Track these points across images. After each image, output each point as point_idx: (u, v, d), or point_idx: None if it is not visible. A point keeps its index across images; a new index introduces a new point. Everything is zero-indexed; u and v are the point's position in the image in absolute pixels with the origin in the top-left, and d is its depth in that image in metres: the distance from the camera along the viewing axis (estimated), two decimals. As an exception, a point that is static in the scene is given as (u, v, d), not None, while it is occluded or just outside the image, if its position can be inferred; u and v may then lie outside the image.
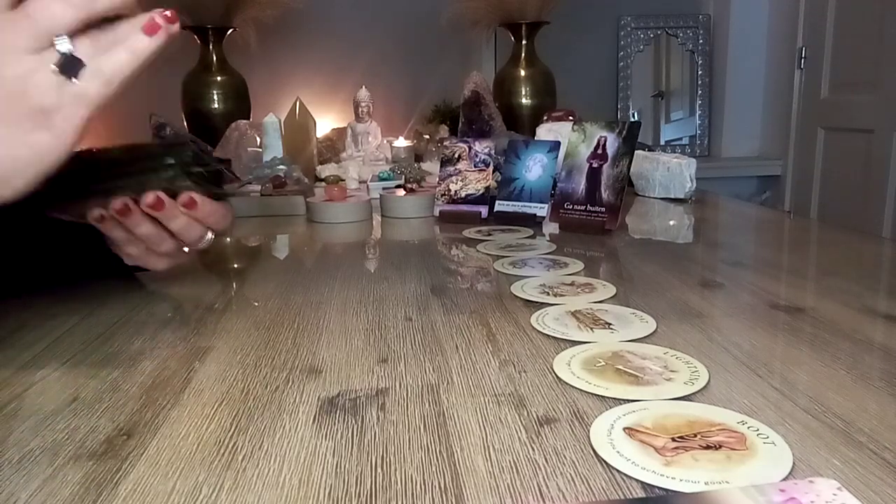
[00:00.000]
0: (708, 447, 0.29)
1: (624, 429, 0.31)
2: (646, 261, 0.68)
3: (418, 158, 1.51)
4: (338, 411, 0.35)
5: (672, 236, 0.85)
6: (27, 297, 0.55)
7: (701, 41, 2.18)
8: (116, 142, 0.55)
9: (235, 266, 0.71)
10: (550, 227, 0.85)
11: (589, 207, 0.82)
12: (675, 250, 0.75)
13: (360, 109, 1.44)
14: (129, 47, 0.37)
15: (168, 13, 0.38)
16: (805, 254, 0.77)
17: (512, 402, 0.35)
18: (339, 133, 1.58)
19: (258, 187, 1.06)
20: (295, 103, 1.31)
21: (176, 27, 0.38)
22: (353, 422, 0.33)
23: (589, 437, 0.31)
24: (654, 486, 0.27)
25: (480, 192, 0.92)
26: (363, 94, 1.44)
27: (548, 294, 0.54)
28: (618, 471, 0.28)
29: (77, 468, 0.30)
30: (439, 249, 0.78)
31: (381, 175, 1.17)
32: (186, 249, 0.52)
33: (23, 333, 0.48)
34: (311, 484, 0.28)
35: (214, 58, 1.74)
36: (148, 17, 0.37)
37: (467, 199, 0.92)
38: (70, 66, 0.36)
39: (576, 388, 0.36)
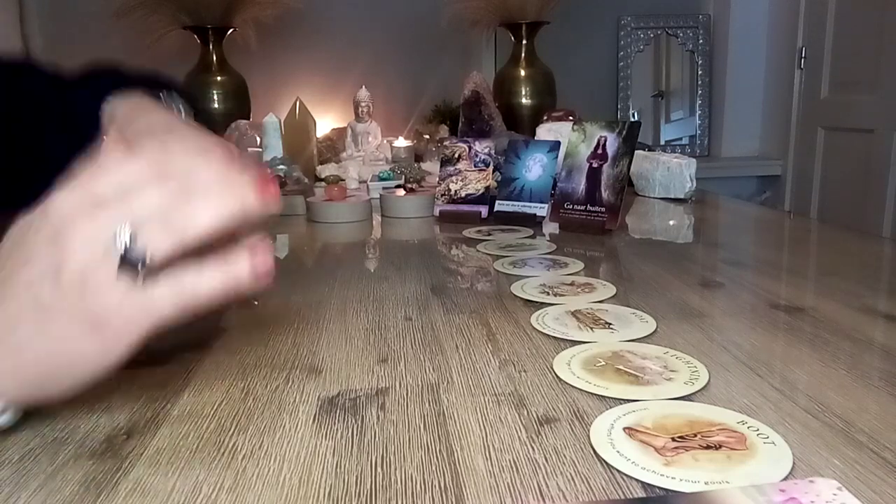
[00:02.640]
0: (708, 447, 0.29)
1: (624, 429, 0.31)
2: (646, 261, 0.68)
3: (418, 158, 1.51)
4: (338, 411, 0.35)
5: (672, 236, 0.85)
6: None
7: (701, 41, 2.18)
8: None
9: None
10: (550, 227, 0.85)
11: (589, 207, 0.82)
12: (675, 250, 0.75)
13: (360, 109, 1.44)
14: (229, 274, 0.31)
15: (268, 261, 0.32)
16: (805, 254, 0.77)
17: (512, 401, 0.35)
18: (339, 133, 1.58)
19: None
20: (295, 103, 1.31)
21: (269, 277, 0.32)
22: (353, 421, 0.33)
23: (589, 436, 0.31)
24: (654, 486, 0.27)
25: (480, 191, 0.92)
26: (363, 93, 1.44)
27: (548, 294, 0.54)
28: (618, 470, 0.28)
29: (77, 467, 0.30)
30: (439, 249, 0.78)
31: (381, 175, 1.17)
32: None
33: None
34: (311, 483, 0.28)
35: (214, 58, 1.74)
36: (260, 256, 0.32)
37: (467, 199, 0.92)
38: (132, 265, 0.29)
39: (576, 387, 0.36)
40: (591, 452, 0.30)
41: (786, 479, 0.27)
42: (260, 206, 0.31)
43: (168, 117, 0.47)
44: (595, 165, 0.83)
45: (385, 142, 1.47)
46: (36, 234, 0.31)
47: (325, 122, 1.83)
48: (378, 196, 1.01)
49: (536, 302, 0.52)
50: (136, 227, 0.29)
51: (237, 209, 0.30)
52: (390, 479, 0.28)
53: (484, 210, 0.91)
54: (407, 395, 0.36)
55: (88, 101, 0.50)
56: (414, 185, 1.03)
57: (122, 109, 0.48)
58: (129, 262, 0.29)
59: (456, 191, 0.93)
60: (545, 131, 1.14)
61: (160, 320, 0.31)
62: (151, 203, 0.30)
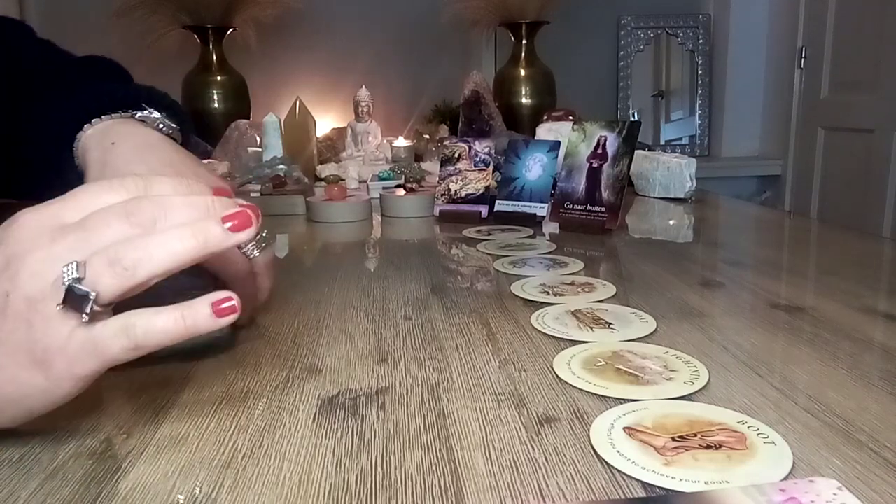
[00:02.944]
0: (708, 447, 0.29)
1: (624, 428, 0.31)
2: (646, 260, 0.68)
3: (418, 158, 1.51)
4: (338, 410, 0.35)
5: (672, 236, 0.85)
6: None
7: (701, 41, 2.18)
8: None
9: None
10: (550, 227, 0.85)
11: (589, 207, 0.82)
12: (675, 250, 0.75)
13: (360, 109, 1.44)
14: (186, 318, 0.30)
15: (232, 303, 0.30)
16: (805, 253, 0.77)
17: (512, 401, 0.35)
18: (339, 133, 1.58)
19: (258, 187, 1.06)
20: (295, 103, 1.31)
21: (232, 318, 0.30)
22: (353, 421, 0.33)
23: (589, 436, 0.31)
24: (654, 486, 0.27)
25: (480, 191, 0.92)
26: (363, 93, 1.44)
27: (548, 293, 0.54)
28: (618, 470, 0.28)
29: (77, 466, 0.30)
30: (439, 249, 0.78)
31: (380, 175, 1.17)
32: None
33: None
34: (310, 483, 0.28)
35: (214, 58, 1.74)
36: (225, 296, 0.30)
37: (467, 199, 0.92)
38: (77, 301, 0.28)
39: (576, 387, 0.36)
40: (591, 452, 0.30)
41: (786, 478, 0.27)
42: (226, 242, 0.30)
43: (148, 158, 0.46)
44: (595, 165, 0.83)
45: (385, 141, 1.47)
46: None
47: (325, 122, 1.83)
48: (378, 196, 1.01)
49: (536, 302, 0.52)
50: (88, 261, 0.29)
51: (197, 249, 0.30)
52: (390, 478, 0.28)
53: (484, 210, 0.91)
54: (407, 394, 0.36)
55: (67, 112, 0.49)
56: (414, 185, 1.03)
57: (96, 150, 0.47)
58: (74, 299, 0.28)
59: (456, 190, 0.93)
60: (545, 131, 1.14)
61: (108, 362, 0.29)
62: (112, 237, 0.29)
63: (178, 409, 0.35)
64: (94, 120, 0.49)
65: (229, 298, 0.30)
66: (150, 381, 0.39)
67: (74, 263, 0.28)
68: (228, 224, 0.30)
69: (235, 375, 0.40)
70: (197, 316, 0.30)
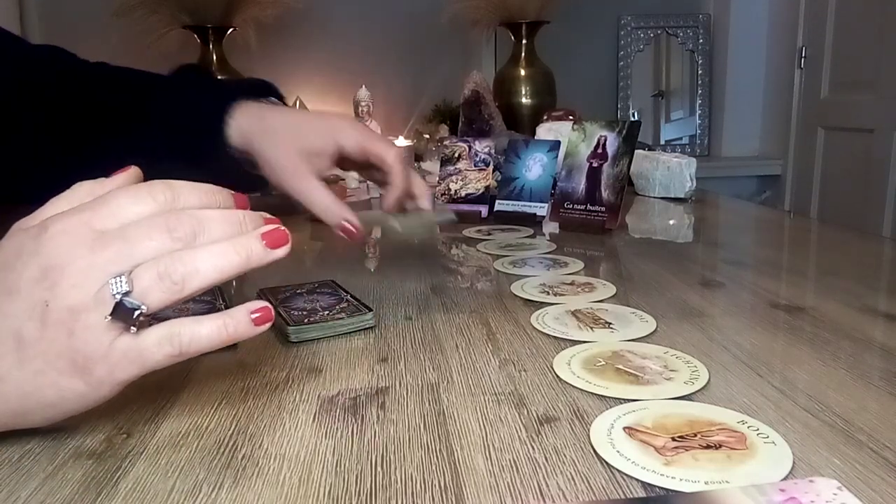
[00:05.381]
0: (708, 447, 0.29)
1: (624, 428, 0.31)
2: (646, 260, 0.68)
3: (418, 158, 1.51)
4: (338, 410, 0.35)
5: (672, 236, 0.84)
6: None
7: (701, 41, 2.18)
8: None
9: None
10: (550, 227, 0.85)
11: (589, 207, 0.82)
12: (675, 250, 0.75)
13: (359, 109, 1.44)
14: (228, 326, 0.31)
15: (268, 311, 0.32)
16: (805, 253, 0.77)
17: (512, 401, 0.35)
18: (339, 133, 1.57)
19: (258, 187, 1.06)
20: (295, 103, 1.31)
21: (269, 325, 0.33)
22: (353, 421, 0.33)
23: (589, 436, 0.31)
24: (654, 486, 0.27)
25: (480, 191, 0.92)
26: (363, 93, 1.44)
27: (548, 293, 0.54)
28: (618, 470, 0.28)
29: (77, 467, 0.30)
30: (439, 249, 0.78)
31: (381, 175, 1.17)
32: None
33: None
34: (311, 482, 0.28)
35: (214, 57, 1.74)
36: (261, 305, 0.32)
37: (467, 199, 0.92)
38: (126, 314, 0.29)
39: (576, 387, 0.36)
40: (591, 452, 0.30)
41: (786, 478, 0.27)
42: (266, 258, 0.32)
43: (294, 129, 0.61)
44: (595, 165, 0.83)
45: (385, 141, 1.47)
46: (26, 264, 0.29)
47: (325, 122, 1.82)
48: (378, 196, 1.01)
49: (536, 301, 0.52)
50: (134, 274, 0.29)
51: (241, 265, 0.31)
52: (390, 478, 0.28)
53: (484, 210, 0.91)
54: (407, 394, 0.36)
55: (203, 105, 0.60)
56: (414, 185, 1.03)
57: (250, 120, 0.59)
58: (124, 311, 0.29)
59: (456, 190, 0.93)
60: (545, 131, 1.14)
61: (150, 367, 0.31)
62: (154, 250, 0.30)
63: (178, 408, 0.35)
64: (240, 101, 0.59)
65: (266, 307, 0.32)
66: (150, 381, 0.39)
67: (122, 277, 0.29)
68: (266, 241, 0.32)
69: (235, 375, 0.40)
70: (238, 324, 0.31)
